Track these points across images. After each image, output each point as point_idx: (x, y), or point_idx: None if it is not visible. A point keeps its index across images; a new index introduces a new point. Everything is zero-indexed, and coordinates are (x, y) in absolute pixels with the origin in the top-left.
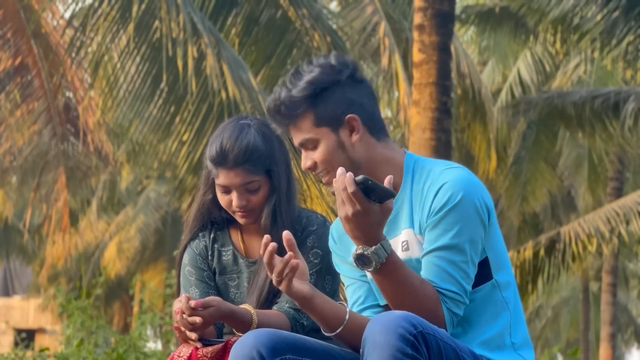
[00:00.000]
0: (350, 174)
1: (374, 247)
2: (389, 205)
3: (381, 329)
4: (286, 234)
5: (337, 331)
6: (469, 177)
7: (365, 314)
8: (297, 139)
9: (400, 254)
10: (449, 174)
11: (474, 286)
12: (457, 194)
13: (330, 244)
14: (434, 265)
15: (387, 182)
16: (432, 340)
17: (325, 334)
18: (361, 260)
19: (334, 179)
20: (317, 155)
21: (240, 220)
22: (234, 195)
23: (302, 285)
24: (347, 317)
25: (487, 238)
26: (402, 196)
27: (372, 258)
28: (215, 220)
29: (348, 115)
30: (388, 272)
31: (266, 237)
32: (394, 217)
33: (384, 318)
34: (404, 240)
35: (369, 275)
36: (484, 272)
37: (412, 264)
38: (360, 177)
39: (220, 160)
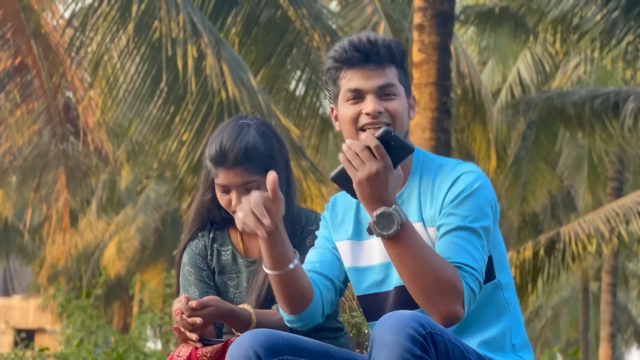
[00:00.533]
0: (371, 134)
1: (394, 206)
2: (400, 172)
3: (390, 329)
4: (271, 175)
5: (282, 270)
6: (483, 174)
7: (310, 275)
8: (378, 80)
9: None
10: (464, 167)
11: None
12: (474, 183)
13: (324, 214)
14: (450, 243)
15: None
16: (440, 341)
17: (267, 271)
18: (381, 223)
19: (344, 147)
20: (393, 104)
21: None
22: (233, 195)
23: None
24: (296, 261)
25: (491, 237)
26: (409, 189)
27: (394, 216)
28: (215, 220)
29: (412, 93)
30: (408, 235)
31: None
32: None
33: (393, 318)
34: None
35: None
36: (487, 271)
37: None
38: (381, 130)
39: (220, 160)
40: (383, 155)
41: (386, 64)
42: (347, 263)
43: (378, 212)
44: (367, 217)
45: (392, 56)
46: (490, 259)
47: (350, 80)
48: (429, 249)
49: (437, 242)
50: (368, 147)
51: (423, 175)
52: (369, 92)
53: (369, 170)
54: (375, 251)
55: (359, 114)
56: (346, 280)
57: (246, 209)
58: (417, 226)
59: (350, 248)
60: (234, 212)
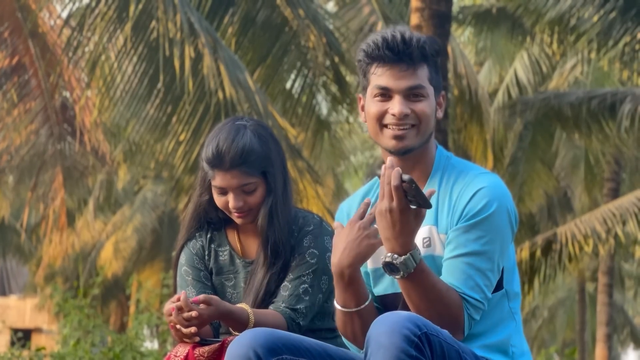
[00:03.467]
0: (398, 169)
1: (403, 258)
2: (423, 214)
3: (386, 330)
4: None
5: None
6: (502, 187)
7: None
8: (409, 81)
9: (421, 250)
10: (484, 180)
11: None
12: (492, 203)
13: (339, 218)
14: (461, 272)
15: (428, 193)
16: (436, 342)
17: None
18: (389, 268)
19: (382, 170)
20: (421, 106)
21: (238, 221)
22: (230, 197)
23: None
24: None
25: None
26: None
27: (400, 268)
28: (212, 221)
29: (442, 91)
30: (415, 280)
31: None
32: None
33: (388, 319)
34: (425, 237)
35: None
36: (497, 281)
37: (433, 260)
38: (407, 177)
39: (217, 162)
40: (399, 198)
41: (418, 64)
42: (369, 264)
43: (386, 259)
44: None
45: (425, 56)
46: (501, 270)
47: (380, 77)
48: (437, 291)
49: (446, 261)
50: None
51: (443, 178)
52: (398, 93)
53: (383, 207)
54: None
55: (385, 112)
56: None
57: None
58: (431, 229)
59: None
60: (231, 213)
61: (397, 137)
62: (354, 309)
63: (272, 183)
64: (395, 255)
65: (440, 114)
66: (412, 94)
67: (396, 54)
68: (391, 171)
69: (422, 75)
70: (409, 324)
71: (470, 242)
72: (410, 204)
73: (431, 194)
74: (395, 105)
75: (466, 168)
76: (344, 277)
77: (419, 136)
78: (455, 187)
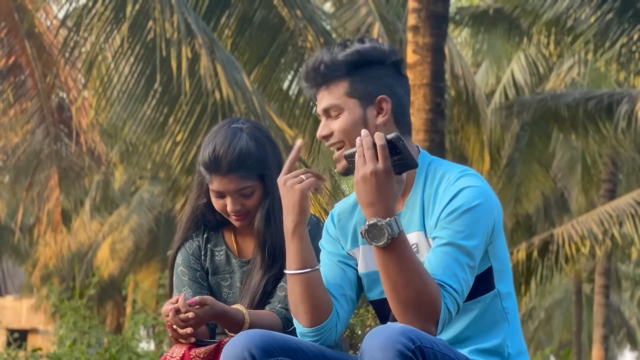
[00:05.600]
0: (379, 132)
1: (388, 219)
2: (403, 181)
3: (379, 344)
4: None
5: (305, 271)
6: (486, 186)
7: None
8: (323, 103)
9: None
10: (467, 180)
11: (476, 296)
12: (474, 199)
13: (327, 223)
14: (439, 260)
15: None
16: (430, 354)
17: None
18: (372, 233)
19: (359, 136)
20: (337, 124)
21: (235, 223)
22: (228, 201)
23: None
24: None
25: (493, 247)
26: (414, 196)
27: (385, 230)
28: (209, 223)
29: (380, 96)
30: (397, 251)
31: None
32: (407, 218)
33: (382, 333)
34: (414, 243)
35: (360, 266)
36: (486, 282)
37: None
38: (393, 134)
39: (214, 167)
40: (385, 157)
41: (330, 83)
42: (361, 269)
43: (370, 222)
44: None
45: (331, 75)
46: (490, 269)
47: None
48: (416, 264)
49: (428, 255)
50: (375, 146)
51: (427, 182)
52: (320, 114)
53: (366, 171)
54: None
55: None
56: (358, 291)
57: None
58: (419, 235)
59: (363, 254)
60: (229, 216)
61: (336, 161)
62: (295, 271)
63: (269, 186)
64: (380, 219)
65: (381, 119)
66: (328, 115)
67: (307, 80)
68: (370, 138)
69: (337, 92)
70: (402, 339)
71: (451, 235)
72: (394, 167)
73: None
74: (320, 128)
75: (449, 169)
76: (289, 234)
77: (345, 147)
78: (439, 189)
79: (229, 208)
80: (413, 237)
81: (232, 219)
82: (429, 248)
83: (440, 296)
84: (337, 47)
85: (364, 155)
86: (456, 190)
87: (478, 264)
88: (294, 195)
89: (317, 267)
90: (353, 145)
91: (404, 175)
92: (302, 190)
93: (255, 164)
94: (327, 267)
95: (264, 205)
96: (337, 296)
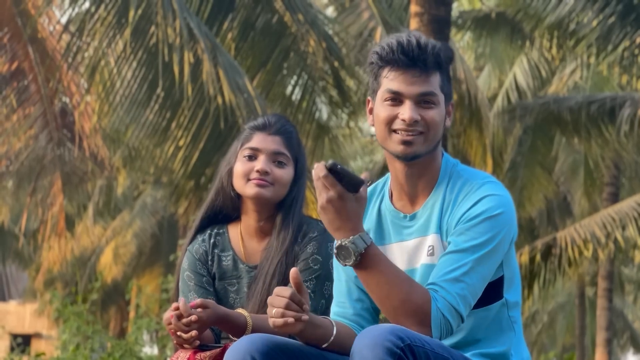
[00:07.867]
0: (318, 163)
1: (351, 237)
2: (363, 194)
3: (368, 343)
4: (294, 272)
5: (324, 346)
6: (507, 196)
7: (346, 322)
8: (422, 87)
9: (425, 259)
10: (490, 188)
11: (485, 304)
12: (497, 208)
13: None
14: (447, 264)
15: (364, 175)
16: (421, 353)
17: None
18: (341, 255)
19: (313, 170)
20: (429, 113)
21: (253, 190)
22: (260, 160)
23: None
24: (334, 332)
25: (507, 257)
26: (434, 198)
27: (350, 248)
28: (221, 217)
29: (452, 100)
30: (370, 265)
31: None
32: (424, 219)
33: (371, 332)
34: (430, 245)
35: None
36: (496, 291)
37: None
38: (329, 162)
39: (264, 126)
40: (332, 185)
41: (431, 71)
42: None
43: (337, 244)
44: (387, 222)
45: (439, 63)
46: (501, 278)
47: (392, 81)
48: (395, 275)
49: (440, 256)
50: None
51: (448, 187)
52: (409, 98)
53: (322, 201)
54: (397, 256)
55: (394, 117)
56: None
57: (278, 312)
58: (435, 237)
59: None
60: (252, 179)
61: (405, 143)
62: (322, 347)
63: (300, 173)
64: (344, 239)
65: (448, 123)
66: (423, 101)
67: (410, 59)
68: (314, 171)
69: (434, 82)
70: (390, 337)
71: (466, 240)
72: (347, 189)
73: (367, 176)
74: (406, 111)
75: (472, 176)
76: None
77: (427, 143)
78: (461, 194)
79: (259, 166)
80: (430, 239)
81: (253, 183)
82: (443, 250)
83: (429, 300)
84: (424, 38)
85: (319, 187)
86: (479, 197)
87: (493, 272)
88: (286, 329)
89: (333, 336)
90: (434, 138)
91: (362, 190)
92: (276, 327)
93: (297, 144)
94: (341, 290)
95: (291, 191)
96: (355, 323)
